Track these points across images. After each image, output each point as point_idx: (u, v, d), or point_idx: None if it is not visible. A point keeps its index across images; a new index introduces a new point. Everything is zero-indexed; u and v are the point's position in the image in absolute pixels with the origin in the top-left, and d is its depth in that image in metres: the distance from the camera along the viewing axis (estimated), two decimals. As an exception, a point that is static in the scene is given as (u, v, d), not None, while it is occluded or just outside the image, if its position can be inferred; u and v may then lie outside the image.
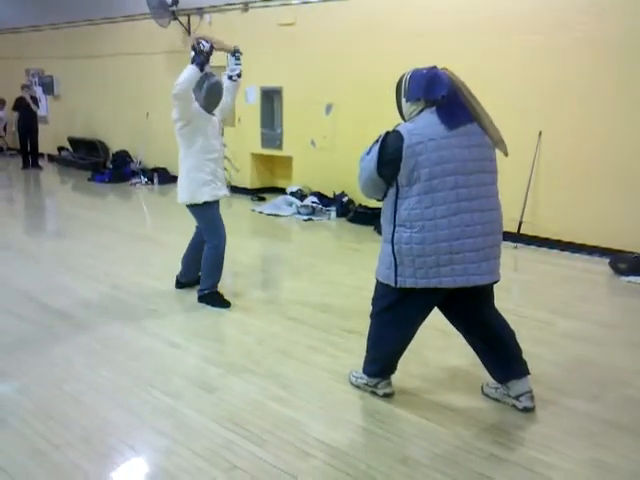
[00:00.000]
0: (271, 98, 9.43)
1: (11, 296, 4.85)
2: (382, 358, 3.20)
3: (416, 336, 3.17)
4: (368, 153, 2.93)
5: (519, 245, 6.61)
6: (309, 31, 8.57)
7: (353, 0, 8.03)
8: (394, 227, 2.92)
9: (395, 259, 2.91)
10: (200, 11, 9.85)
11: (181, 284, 5.00)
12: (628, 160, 6.00)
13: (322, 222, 8.07)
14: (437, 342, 3.91)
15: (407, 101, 2.95)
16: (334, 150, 8.55)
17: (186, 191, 4.51)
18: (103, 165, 12.23)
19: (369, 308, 3.23)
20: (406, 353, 3.21)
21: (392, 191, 2.92)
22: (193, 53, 4.28)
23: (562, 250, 6.52)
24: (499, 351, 3.12)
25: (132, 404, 3.18)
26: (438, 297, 3.00)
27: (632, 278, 5.53)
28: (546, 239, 6.67)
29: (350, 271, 5.73)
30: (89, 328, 4.21)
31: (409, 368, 3.48)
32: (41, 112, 13.47)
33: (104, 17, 11.75)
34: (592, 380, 3.55)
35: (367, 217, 7.71)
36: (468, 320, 3.15)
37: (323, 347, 3.93)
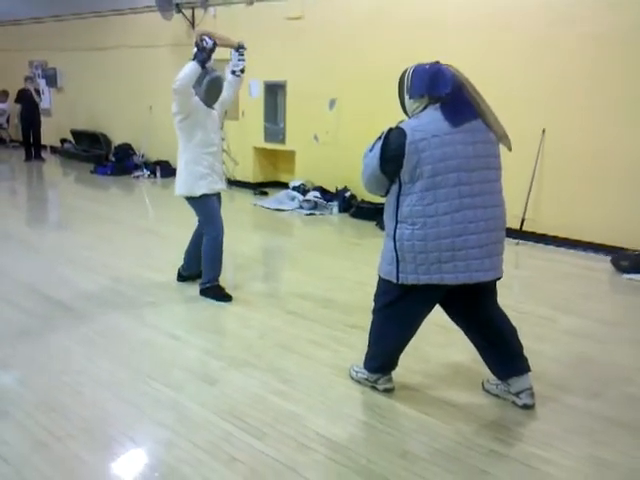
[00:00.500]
0: (275, 92, 9.41)
1: (12, 287, 4.86)
2: (383, 354, 3.20)
3: (417, 332, 3.17)
4: (371, 149, 2.92)
5: (521, 242, 6.61)
6: (316, 25, 8.55)
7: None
8: (396, 223, 2.91)
9: (397, 255, 2.91)
10: (205, 4, 9.82)
11: (183, 277, 5.01)
12: (632, 157, 5.99)
13: (324, 217, 8.07)
14: (438, 338, 3.91)
15: (410, 98, 2.92)
16: (337, 145, 8.54)
17: (184, 184, 4.52)
18: (106, 158, 12.23)
19: (371, 303, 3.23)
20: (407, 349, 3.22)
21: (395, 187, 2.91)
22: (195, 49, 4.26)
23: (564, 247, 6.51)
24: (500, 348, 3.12)
25: (133, 396, 3.19)
26: (440, 294, 2.99)
27: (634, 276, 5.52)
28: (548, 236, 6.67)
29: (352, 266, 5.73)
30: (90, 320, 4.21)
31: (410, 363, 3.48)
32: (44, 104, 13.47)
33: (108, 9, 11.73)
34: (593, 377, 3.55)
35: (369, 212, 7.71)
36: (470, 317, 3.15)
37: (324, 342, 3.94)
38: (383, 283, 3.08)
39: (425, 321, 3.15)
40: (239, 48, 4.65)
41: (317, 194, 8.46)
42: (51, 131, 13.49)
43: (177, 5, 10.04)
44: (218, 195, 4.69)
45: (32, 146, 12.75)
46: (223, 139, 5.30)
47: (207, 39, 4.28)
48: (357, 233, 7.33)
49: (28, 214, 8.49)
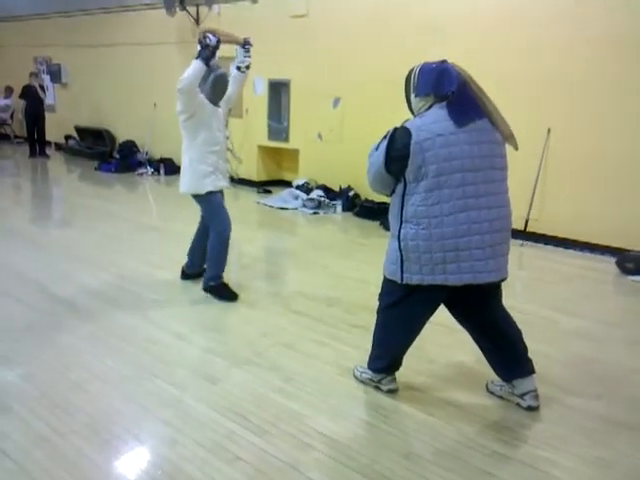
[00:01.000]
0: (279, 90, 9.41)
1: (17, 283, 4.86)
2: (387, 354, 3.20)
3: (421, 332, 3.16)
4: (376, 149, 2.91)
5: (525, 243, 6.60)
6: (320, 23, 8.54)
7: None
8: (401, 223, 2.90)
9: (401, 255, 2.90)
10: (209, 1, 9.82)
11: (187, 275, 5.01)
12: (637, 159, 5.97)
13: (328, 216, 8.07)
14: (442, 338, 3.90)
15: (416, 96, 2.92)
16: (341, 144, 8.54)
17: (188, 182, 4.52)
18: (110, 155, 12.25)
19: (374, 303, 3.23)
20: (411, 349, 3.21)
21: (400, 187, 2.90)
22: (199, 47, 4.24)
23: (568, 248, 6.50)
24: (505, 349, 3.11)
25: (136, 393, 3.19)
26: (444, 294, 2.98)
27: (638, 277, 5.51)
28: (553, 237, 6.65)
29: (355, 265, 5.73)
30: (94, 317, 4.22)
31: (414, 364, 3.47)
32: (48, 100, 13.49)
33: (113, 6, 11.73)
34: (597, 379, 3.54)
35: (373, 212, 7.70)
36: (474, 318, 3.14)
37: (328, 341, 3.93)
38: (387, 283, 3.07)
39: (429, 321, 3.14)
40: (245, 44, 4.64)
41: (321, 193, 8.46)
42: (55, 127, 13.50)
43: (181, 2, 10.03)
44: (221, 193, 4.68)
45: (37, 142, 12.76)
46: (227, 137, 5.28)
47: (210, 36, 4.25)
48: (361, 232, 7.32)
49: (32, 211, 8.51)
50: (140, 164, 11.29)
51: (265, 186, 9.71)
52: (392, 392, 3.25)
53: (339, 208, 8.25)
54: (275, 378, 3.40)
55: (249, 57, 4.69)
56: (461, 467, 2.64)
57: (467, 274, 2.84)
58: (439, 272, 2.85)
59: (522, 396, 3.12)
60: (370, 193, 7.87)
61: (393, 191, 2.97)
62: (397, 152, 2.81)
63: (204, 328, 4.14)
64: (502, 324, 3.11)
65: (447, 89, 2.82)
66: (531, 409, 3.11)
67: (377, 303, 3.20)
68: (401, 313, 3.06)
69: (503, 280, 3.00)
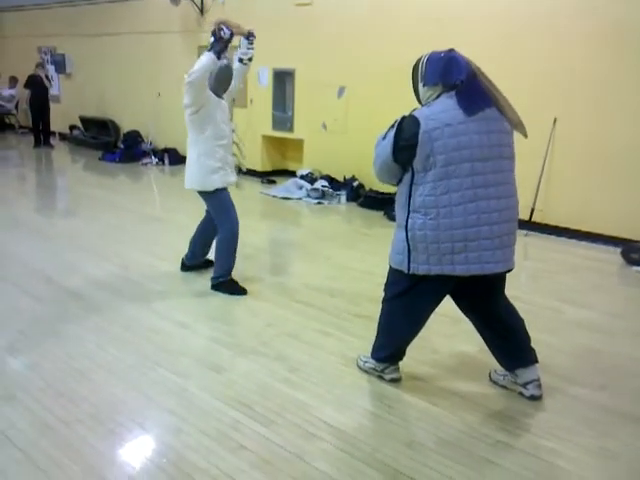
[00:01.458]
0: (283, 80, 9.37)
1: (22, 273, 4.88)
2: (391, 344, 3.20)
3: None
4: (384, 138, 2.88)
5: (530, 233, 6.58)
6: (325, 12, 8.48)
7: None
8: (408, 213, 2.88)
9: (408, 245, 2.89)
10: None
11: (187, 267, 5.00)
12: (643, 149, 5.94)
13: (332, 206, 8.06)
14: (445, 328, 3.90)
15: (424, 86, 2.88)
16: (345, 133, 8.51)
17: (196, 178, 4.44)
18: (114, 145, 12.24)
19: (378, 293, 3.22)
20: (414, 339, 3.21)
21: (407, 177, 2.88)
22: (212, 39, 4.17)
23: (574, 239, 6.48)
24: (508, 339, 3.11)
25: (141, 383, 3.21)
26: (451, 285, 2.97)
27: (643, 268, 5.50)
28: (558, 227, 6.63)
29: (360, 256, 5.72)
30: (99, 307, 4.23)
31: (417, 354, 3.48)
32: (53, 90, 13.48)
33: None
34: (600, 369, 3.54)
35: (377, 202, 7.69)
36: (478, 308, 3.14)
37: (332, 331, 3.94)
38: (393, 273, 3.06)
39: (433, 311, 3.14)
40: (249, 36, 4.58)
41: (325, 183, 8.44)
42: (60, 118, 13.49)
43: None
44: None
45: (41, 132, 12.77)
46: (233, 130, 5.25)
47: (225, 29, 4.18)
48: (365, 223, 7.32)
49: (37, 201, 8.52)
50: (144, 154, 11.29)
51: (269, 176, 9.70)
52: (395, 381, 3.25)
53: (343, 198, 8.24)
54: (280, 368, 3.41)
55: (252, 49, 4.64)
56: (464, 456, 2.65)
57: (475, 264, 2.82)
58: (446, 262, 2.84)
59: (525, 385, 3.13)
60: (374, 183, 7.86)
61: (400, 180, 2.95)
62: (405, 141, 2.79)
63: (208, 318, 4.15)
64: (505, 314, 3.11)
65: (455, 78, 2.79)
66: (534, 398, 3.11)
67: (382, 293, 3.20)
68: (407, 303, 3.06)
69: (510, 271, 2.98)
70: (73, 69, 13.71)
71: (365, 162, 7.50)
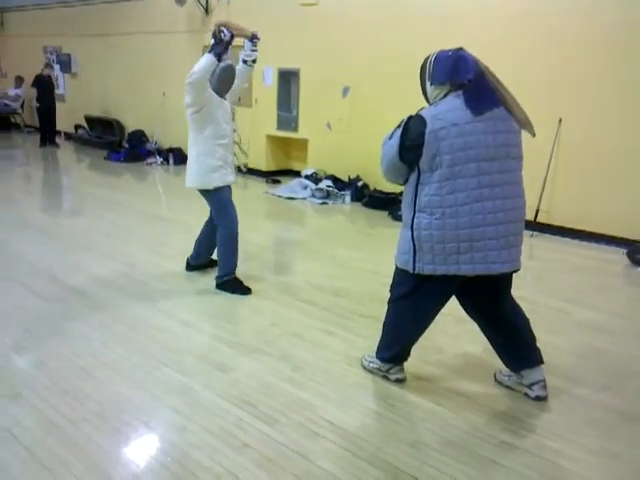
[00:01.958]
0: (288, 80, 9.38)
1: (28, 272, 4.90)
2: (397, 344, 3.20)
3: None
4: (390, 137, 2.88)
5: (535, 233, 6.56)
6: (330, 12, 8.49)
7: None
8: (414, 212, 2.88)
9: (414, 245, 2.89)
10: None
11: (192, 267, 5.01)
12: (649, 149, 5.92)
13: (336, 206, 8.06)
14: (450, 328, 3.90)
15: (432, 84, 2.88)
16: (350, 133, 8.51)
17: (195, 176, 4.47)
18: (119, 144, 12.28)
19: (383, 293, 3.23)
20: (420, 338, 3.21)
21: (413, 176, 2.87)
22: (213, 41, 4.19)
23: (579, 239, 6.46)
24: (513, 340, 3.10)
25: (146, 381, 3.22)
26: (456, 285, 2.97)
27: (649, 269, 5.48)
28: (563, 228, 6.62)
29: (364, 255, 5.72)
30: (104, 306, 4.25)
31: (422, 354, 3.48)
32: (58, 90, 13.52)
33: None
34: (605, 370, 3.53)
35: (382, 202, 7.69)
36: (484, 309, 3.13)
37: (336, 330, 3.94)
38: (399, 273, 3.06)
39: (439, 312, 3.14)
40: (253, 38, 4.60)
41: (329, 183, 8.44)
42: (65, 117, 13.54)
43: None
44: (229, 187, 4.65)
45: (47, 132, 12.81)
46: (235, 130, 5.26)
47: (225, 31, 4.19)
48: (369, 223, 7.32)
49: (43, 200, 8.56)
50: (149, 153, 11.31)
51: (274, 176, 9.70)
52: (400, 382, 3.25)
53: (348, 198, 8.24)
54: (284, 367, 3.41)
55: (256, 51, 4.66)
56: (468, 456, 2.64)
57: (480, 264, 2.82)
58: (452, 262, 2.83)
59: (530, 386, 3.12)
60: (379, 183, 7.86)
61: (406, 180, 2.95)
62: (411, 141, 2.79)
63: (213, 317, 4.16)
64: (510, 314, 3.10)
65: (463, 77, 2.79)
66: (539, 399, 3.11)
67: (386, 293, 3.20)
68: (412, 303, 3.05)
69: (516, 271, 2.97)
70: (78, 69, 13.75)
71: (370, 162, 7.54)
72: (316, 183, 8.53)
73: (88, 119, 13.43)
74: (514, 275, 3.05)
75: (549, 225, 6.67)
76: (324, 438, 2.75)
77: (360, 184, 8.25)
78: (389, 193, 7.63)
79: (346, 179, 8.55)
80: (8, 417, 2.83)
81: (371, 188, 8.16)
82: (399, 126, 2.85)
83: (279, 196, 8.47)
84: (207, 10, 10.16)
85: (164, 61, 11.20)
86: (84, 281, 4.72)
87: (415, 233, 2.87)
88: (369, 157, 7.23)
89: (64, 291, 4.51)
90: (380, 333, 3.29)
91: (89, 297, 4.41)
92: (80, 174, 10.78)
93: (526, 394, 3.14)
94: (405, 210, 2.98)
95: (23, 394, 3.04)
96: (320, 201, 8.16)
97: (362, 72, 8.19)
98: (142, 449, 2.68)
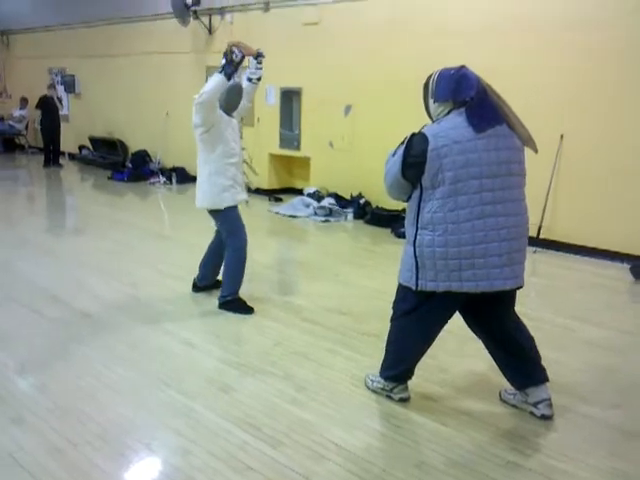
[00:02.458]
0: (290, 98, 9.43)
1: (30, 292, 4.90)
2: (400, 363, 3.18)
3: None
4: (394, 154, 2.92)
5: (538, 249, 6.55)
6: (332, 31, 8.56)
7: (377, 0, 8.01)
8: (417, 229, 2.89)
9: (417, 262, 2.89)
10: (221, 11, 9.89)
11: (198, 288, 4.99)
12: (651, 165, 5.92)
13: (339, 224, 8.06)
14: (455, 346, 3.88)
15: (435, 102, 2.92)
16: (352, 152, 8.54)
17: (207, 197, 4.46)
18: (122, 164, 12.34)
19: (386, 311, 3.21)
20: (423, 357, 3.19)
21: (416, 193, 2.89)
22: (223, 61, 4.22)
23: (582, 255, 6.44)
24: (518, 358, 3.08)
25: (149, 403, 3.20)
26: (459, 302, 2.97)
27: (653, 284, 5.45)
28: (566, 244, 6.60)
29: (367, 273, 5.71)
30: (107, 326, 4.24)
31: (426, 372, 3.45)
32: (62, 111, 13.63)
33: (127, 16, 11.84)
34: (612, 388, 3.50)
35: (384, 219, 7.69)
36: (488, 326, 3.12)
37: (340, 350, 3.92)
38: (402, 290, 3.06)
39: (442, 329, 3.12)
40: (258, 56, 4.64)
41: (332, 201, 8.45)
42: (69, 137, 13.62)
43: (195, 12, 10.11)
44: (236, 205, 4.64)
45: (51, 152, 12.88)
46: (244, 149, 5.27)
47: (237, 51, 4.23)
48: (372, 240, 7.31)
49: (47, 220, 8.58)
50: (152, 173, 11.36)
51: (276, 194, 9.72)
52: (404, 401, 3.23)
53: (350, 216, 8.24)
54: (288, 387, 3.39)
55: (261, 69, 4.70)
56: (474, 477, 2.61)
57: (483, 281, 2.82)
58: (454, 279, 2.83)
59: (536, 405, 3.09)
60: (381, 200, 7.87)
61: (410, 197, 2.96)
62: (414, 158, 2.81)
63: (216, 337, 4.14)
64: (515, 332, 3.08)
65: (466, 94, 2.82)
66: (545, 418, 3.08)
67: (390, 311, 3.19)
68: (415, 321, 3.05)
69: (519, 288, 2.97)
70: (83, 89, 13.87)
71: (372, 180, 7.55)
72: (318, 201, 8.54)
73: (92, 139, 13.51)
74: (518, 292, 3.05)
75: (552, 241, 6.66)
76: (329, 460, 2.72)
77: (362, 201, 8.26)
78: (391, 210, 7.64)
79: (348, 197, 8.56)
80: (11, 442, 2.81)
81: (373, 205, 8.16)
82: (402, 143, 2.88)
83: (282, 214, 8.48)
84: (210, 30, 10.25)
85: (167, 81, 11.29)
86: (87, 301, 4.71)
87: (418, 250, 2.88)
88: (371, 175, 7.24)
89: (67, 311, 4.51)
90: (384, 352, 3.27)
91: (92, 317, 4.40)
92: (84, 194, 10.82)
93: (532, 413, 3.12)
94: (408, 227, 2.99)
95: (26, 418, 3.02)
96: (322, 219, 8.16)
97: (364, 91, 8.24)
98: (145, 472, 2.66)
